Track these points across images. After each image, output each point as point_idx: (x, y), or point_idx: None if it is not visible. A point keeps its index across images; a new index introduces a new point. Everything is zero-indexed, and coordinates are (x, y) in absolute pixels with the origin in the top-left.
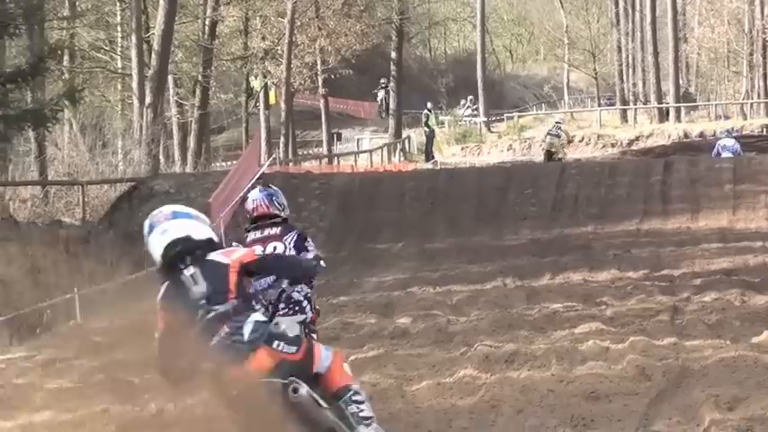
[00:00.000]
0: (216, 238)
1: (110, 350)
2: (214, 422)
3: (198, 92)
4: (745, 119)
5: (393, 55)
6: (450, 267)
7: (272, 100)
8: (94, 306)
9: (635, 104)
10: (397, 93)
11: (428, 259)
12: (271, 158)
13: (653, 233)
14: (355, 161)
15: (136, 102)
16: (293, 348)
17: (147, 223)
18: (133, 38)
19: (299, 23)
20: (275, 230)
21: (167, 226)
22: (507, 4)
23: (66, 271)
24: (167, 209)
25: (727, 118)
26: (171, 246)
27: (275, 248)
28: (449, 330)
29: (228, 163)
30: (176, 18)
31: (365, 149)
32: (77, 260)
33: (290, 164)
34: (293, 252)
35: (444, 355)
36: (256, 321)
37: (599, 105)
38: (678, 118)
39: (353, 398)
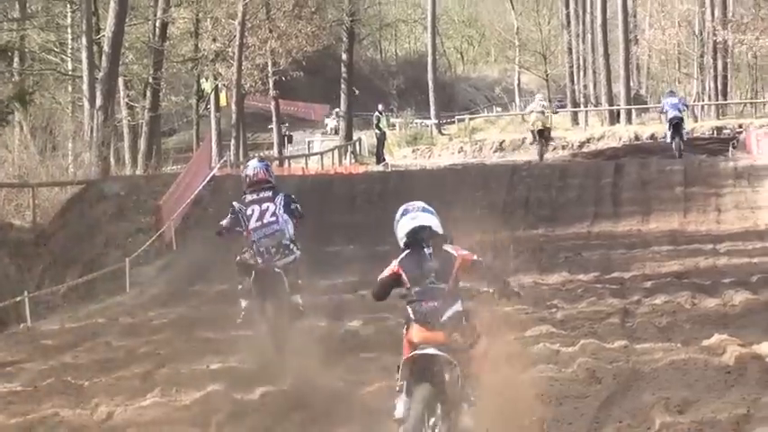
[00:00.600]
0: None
1: (60, 353)
2: (164, 425)
3: (148, 94)
4: (696, 121)
5: (344, 57)
6: None
7: (222, 102)
8: (45, 309)
9: (586, 106)
10: (348, 94)
11: (379, 262)
12: (221, 161)
13: (604, 236)
14: (306, 163)
15: (86, 104)
16: (468, 342)
17: (401, 209)
18: (83, 40)
19: (249, 25)
20: (268, 194)
21: (417, 215)
22: (458, 6)
23: (16, 274)
24: (419, 204)
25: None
26: (419, 229)
27: (268, 208)
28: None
29: (179, 165)
30: (127, 20)
31: (316, 152)
32: (27, 263)
33: (241, 166)
34: (282, 209)
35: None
36: (456, 311)
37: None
38: (629, 120)
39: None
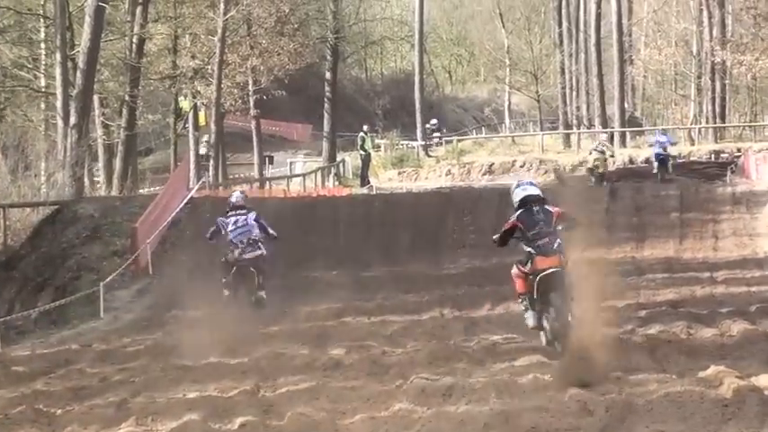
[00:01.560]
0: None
1: (32, 380)
2: None
3: (124, 112)
4: (693, 144)
5: (328, 75)
6: (386, 297)
7: (201, 121)
8: (16, 334)
9: (578, 128)
10: (332, 114)
11: (363, 288)
12: (200, 182)
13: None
14: (288, 185)
15: (60, 122)
16: (566, 260)
17: (515, 183)
18: (57, 55)
19: (230, 42)
20: (243, 212)
21: (526, 187)
22: (447, 24)
23: None
24: (526, 179)
25: (673, 144)
26: (528, 196)
27: (243, 218)
28: (384, 362)
29: (156, 187)
30: (102, 35)
31: (298, 173)
32: None
33: (220, 188)
34: (252, 220)
35: (379, 388)
36: (559, 243)
37: (541, 129)
38: (623, 143)
39: None
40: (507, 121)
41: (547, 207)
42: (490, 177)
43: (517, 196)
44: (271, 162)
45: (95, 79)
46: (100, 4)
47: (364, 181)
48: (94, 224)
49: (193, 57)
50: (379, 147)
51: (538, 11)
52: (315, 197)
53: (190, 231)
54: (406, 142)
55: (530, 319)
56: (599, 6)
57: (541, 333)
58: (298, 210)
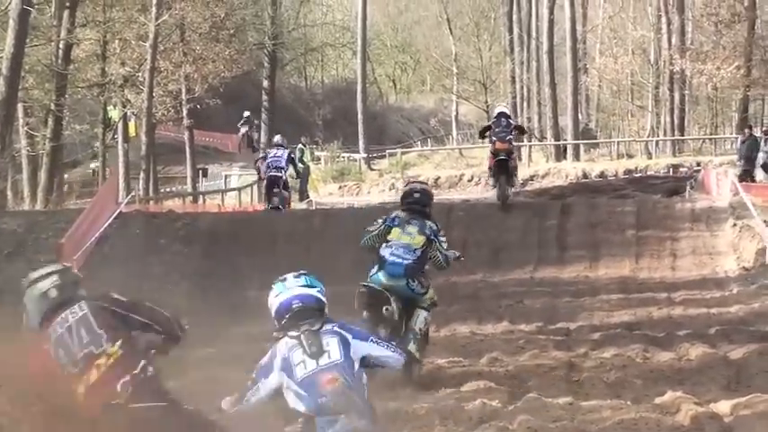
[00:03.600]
0: None
1: None
2: None
3: (50, 122)
4: (650, 158)
5: (265, 83)
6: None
7: (131, 131)
8: None
9: (530, 141)
10: (269, 125)
11: None
12: (129, 196)
13: (548, 282)
14: (222, 200)
15: None
16: (513, 148)
17: (498, 106)
18: None
19: (162, 48)
20: (281, 150)
21: (503, 108)
22: (391, 30)
23: None
24: (503, 105)
25: (630, 157)
26: (502, 112)
27: (282, 153)
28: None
29: (83, 200)
30: (27, 40)
31: (234, 187)
32: None
33: (151, 202)
34: (285, 156)
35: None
36: (510, 138)
37: (490, 141)
38: (577, 156)
39: None
40: (454, 132)
41: (510, 120)
42: (436, 192)
43: (496, 110)
44: (205, 175)
45: (19, 87)
46: (25, 7)
47: (303, 195)
48: (17, 240)
49: (123, 63)
50: (319, 159)
51: (487, 16)
52: (251, 212)
53: (119, 247)
54: (348, 155)
55: (491, 180)
56: (552, 12)
57: (495, 191)
58: (233, 225)
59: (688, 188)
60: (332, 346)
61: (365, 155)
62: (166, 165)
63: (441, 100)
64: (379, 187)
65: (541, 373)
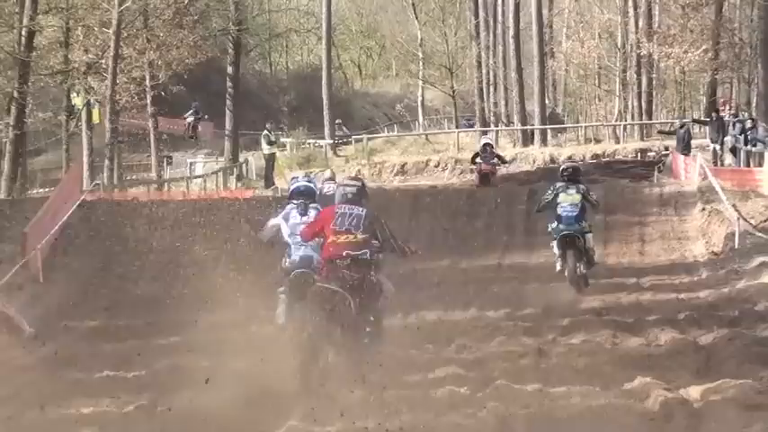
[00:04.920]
0: None
1: None
2: None
3: (13, 110)
4: (618, 142)
5: (229, 70)
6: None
7: (95, 119)
8: None
9: (496, 126)
10: (234, 111)
11: (270, 296)
12: (93, 184)
13: (516, 268)
14: (187, 187)
15: None
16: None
17: (483, 138)
18: None
19: (125, 34)
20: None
21: (488, 139)
22: (356, 15)
23: None
24: (489, 137)
25: (597, 141)
26: (486, 144)
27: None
28: (291, 374)
29: (47, 189)
30: None
31: (198, 174)
32: None
33: (115, 190)
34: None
35: (285, 401)
36: (494, 162)
37: (457, 127)
38: (544, 141)
39: None
40: (421, 118)
41: (493, 150)
42: (403, 178)
43: (482, 141)
44: (169, 162)
45: None
46: None
47: (269, 182)
48: None
49: (86, 50)
50: (285, 146)
51: (453, 1)
52: (216, 199)
53: (83, 236)
54: (313, 141)
55: (558, 262)
56: None
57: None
58: (198, 212)
59: (656, 173)
60: (313, 213)
61: (331, 141)
62: (131, 152)
63: (407, 85)
64: (345, 173)
65: (510, 359)
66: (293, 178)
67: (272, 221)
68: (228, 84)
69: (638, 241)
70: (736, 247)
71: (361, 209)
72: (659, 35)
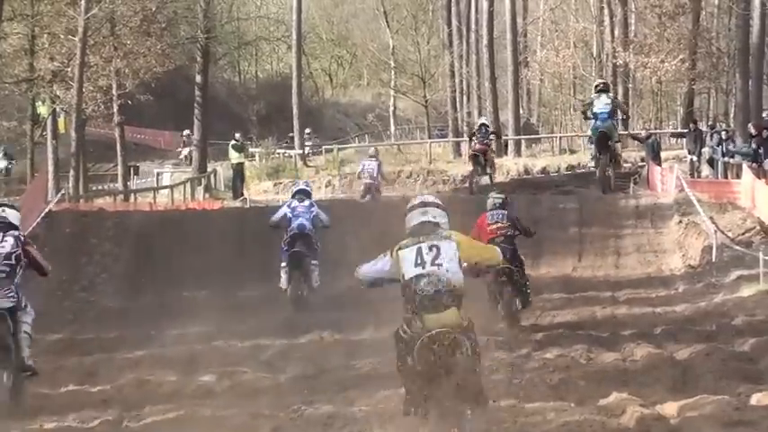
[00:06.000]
0: None
1: None
2: None
3: None
4: None
5: (198, 78)
6: (261, 318)
7: (61, 128)
8: None
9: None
10: (202, 120)
11: (236, 309)
12: (59, 194)
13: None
14: (154, 198)
15: None
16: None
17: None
18: None
19: (91, 42)
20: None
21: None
22: (327, 23)
23: None
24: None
25: (572, 152)
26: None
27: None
28: (258, 389)
29: (11, 198)
30: None
31: (166, 185)
32: None
33: (81, 200)
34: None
35: (253, 418)
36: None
37: (429, 137)
38: (518, 152)
39: None
40: (392, 127)
41: (489, 129)
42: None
43: (479, 122)
44: (136, 173)
45: None
46: None
47: (237, 193)
48: None
49: (52, 58)
50: (254, 156)
51: (425, 9)
52: (184, 211)
53: (48, 248)
54: (283, 151)
55: (591, 162)
56: (491, 4)
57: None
58: (165, 224)
59: (632, 184)
60: (308, 202)
61: (301, 151)
62: (97, 162)
63: (378, 95)
64: (315, 184)
65: (483, 374)
66: (296, 182)
67: (280, 211)
68: (197, 93)
69: (614, 254)
70: (714, 260)
71: (503, 211)
72: (635, 44)
